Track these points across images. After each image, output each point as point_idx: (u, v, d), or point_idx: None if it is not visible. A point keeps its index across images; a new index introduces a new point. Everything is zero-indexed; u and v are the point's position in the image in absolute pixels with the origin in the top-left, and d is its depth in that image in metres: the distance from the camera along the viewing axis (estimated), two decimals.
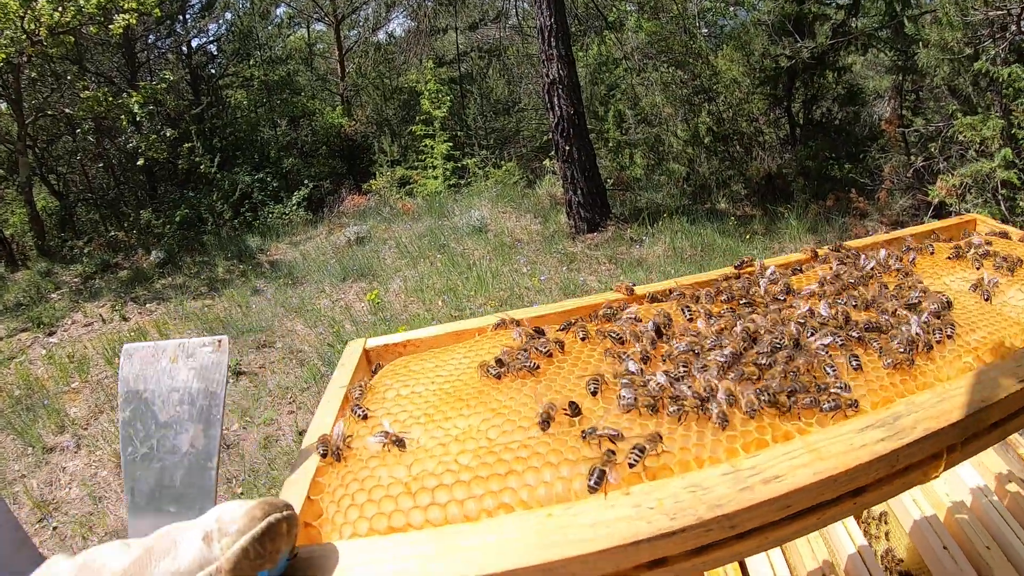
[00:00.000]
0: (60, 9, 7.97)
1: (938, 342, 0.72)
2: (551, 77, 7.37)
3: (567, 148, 7.53)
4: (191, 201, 9.90)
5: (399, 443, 0.61)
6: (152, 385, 0.73)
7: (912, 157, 7.33)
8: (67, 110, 9.93)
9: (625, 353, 0.76)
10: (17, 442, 4.67)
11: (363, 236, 8.21)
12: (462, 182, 10.03)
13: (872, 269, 0.95)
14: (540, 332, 0.83)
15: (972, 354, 0.71)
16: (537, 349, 0.76)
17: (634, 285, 0.95)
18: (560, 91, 7.38)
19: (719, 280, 0.95)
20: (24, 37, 7.99)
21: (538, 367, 0.72)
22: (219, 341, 0.72)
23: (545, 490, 0.52)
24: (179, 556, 0.38)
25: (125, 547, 0.41)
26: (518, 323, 0.86)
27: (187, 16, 11.19)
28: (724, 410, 0.62)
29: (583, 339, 0.80)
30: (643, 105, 8.94)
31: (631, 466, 0.53)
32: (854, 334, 0.76)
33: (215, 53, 11.99)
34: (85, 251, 9.73)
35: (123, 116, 9.09)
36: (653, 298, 0.93)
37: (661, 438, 0.58)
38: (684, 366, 0.71)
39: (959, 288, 0.89)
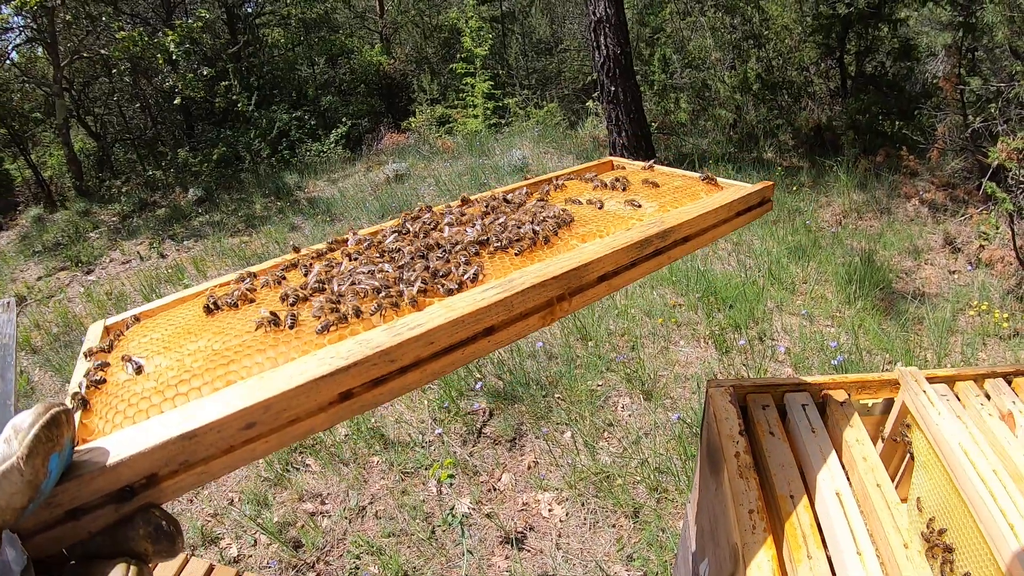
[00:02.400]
0: None
1: (554, 234, 0.99)
2: (597, 15, 7.12)
3: (612, 89, 7.33)
4: (228, 139, 9.87)
5: (140, 369, 0.76)
6: None
7: (969, 117, 6.97)
8: (103, 52, 9.88)
9: (313, 275, 0.96)
10: (55, 378, 4.65)
11: (402, 174, 8.11)
12: (503, 122, 9.83)
13: (507, 201, 1.19)
14: (253, 275, 1.01)
15: (578, 239, 0.99)
16: (240, 290, 0.94)
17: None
18: (607, 30, 7.14)
19: (396, 224, 1.15)
20: None
21: (236, 305, 0.91)
22: (7, 303, 0.85)
23: (258, 368, 0.70)
24: None
25: None
26: (254, 275, 1.01)
27: None
28: (382, 302, 0.80)
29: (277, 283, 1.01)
30: (690, 49, 8.64)
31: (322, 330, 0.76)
32: (484, 238, 0.98)
33: None
34: (123, 190, 9.80)
35: (159, 56, 9.01)
36: (324, 251, 1.09)
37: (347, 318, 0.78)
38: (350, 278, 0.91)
39: (583, 203, 1.19)
